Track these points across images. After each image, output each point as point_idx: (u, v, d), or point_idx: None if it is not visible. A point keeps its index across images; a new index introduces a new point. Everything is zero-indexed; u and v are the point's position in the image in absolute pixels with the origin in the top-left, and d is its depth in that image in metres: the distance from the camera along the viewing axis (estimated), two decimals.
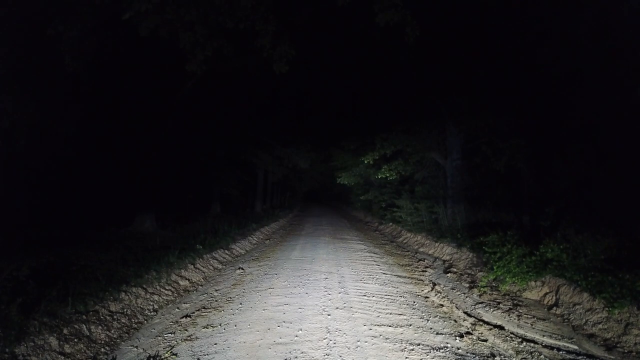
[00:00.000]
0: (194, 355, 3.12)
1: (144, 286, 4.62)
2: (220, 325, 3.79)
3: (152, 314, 4.21)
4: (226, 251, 7.84)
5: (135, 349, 3.29)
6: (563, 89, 6.57)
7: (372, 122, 13.06)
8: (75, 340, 3.12)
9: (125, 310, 3.98)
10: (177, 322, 3.94)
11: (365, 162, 11.95)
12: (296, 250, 8.33)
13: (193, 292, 5.12)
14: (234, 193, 17.88)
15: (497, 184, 9.86)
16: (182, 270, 5.72)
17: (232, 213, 14.98)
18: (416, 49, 6.99)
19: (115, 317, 3.75)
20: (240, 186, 18.20)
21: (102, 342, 3.33)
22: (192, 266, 6.09)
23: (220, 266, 6.82)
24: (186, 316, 4.09)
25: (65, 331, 3.14)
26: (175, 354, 3.13)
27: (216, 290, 5.18)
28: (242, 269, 6.49)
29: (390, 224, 12.93)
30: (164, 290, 4.85)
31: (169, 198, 14.27)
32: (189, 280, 5.57)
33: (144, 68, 8.78)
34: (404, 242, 10.05)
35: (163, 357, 3.08)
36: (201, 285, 5.51)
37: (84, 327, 3.32)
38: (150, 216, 10.68)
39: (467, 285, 5.58)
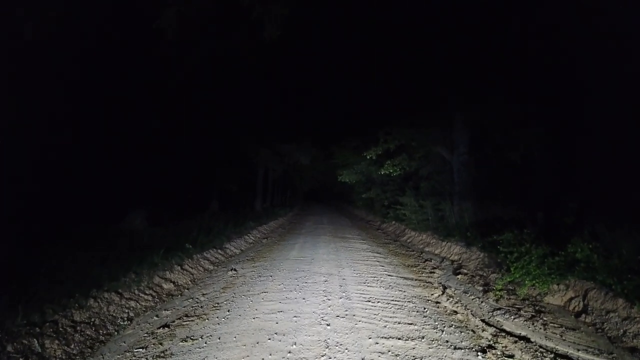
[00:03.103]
0: None
1: (120, 290, 4.10)
2: (201, 337, 3.26)
3: (125, 323, 3.68)
4: (219, 251, 7.31)
5: None
6: (586, 68, 5.97)
7: (374, 117, 12.49)
8: (21, 359, 2.60)
9: (92, 319, 3.45)
10: (152, 333, 3.41)
11: (368, 157, 11.38)
12: (295, 250, 7.79)
13: (177, 297, 4.60)
14: (233, 189, 17.34)
15: (507, 178, 9.27)
16: (167, 272, 5.20)
17: (231, 211, 14.46)
18: (424, 25, 6.40)
19: (78, 328, 3.22)
20: (239, 181, 17.67)
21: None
22: (179, 267, 5.56)
23: (211, 267, 6.30)
24: (164, 326, 3.57)
25: (9, 348, 2.61)
26: None
27: (203, 294, 4.65)
28: (235, 270, 5.96)
29: (393, 222, 12.36)
30: (143, 295, 4.32)
31: (165, 195, 13.77)
32: (174, 283, 5.05)
33: (131, 55, 8.27)
34: (408, 241, 9.51)
35: None
36: (187, 289, 4.98)
37: (35, 341, 2.79)
38: (141, 213, 10.19)
39: (481, 288, 5.05)
